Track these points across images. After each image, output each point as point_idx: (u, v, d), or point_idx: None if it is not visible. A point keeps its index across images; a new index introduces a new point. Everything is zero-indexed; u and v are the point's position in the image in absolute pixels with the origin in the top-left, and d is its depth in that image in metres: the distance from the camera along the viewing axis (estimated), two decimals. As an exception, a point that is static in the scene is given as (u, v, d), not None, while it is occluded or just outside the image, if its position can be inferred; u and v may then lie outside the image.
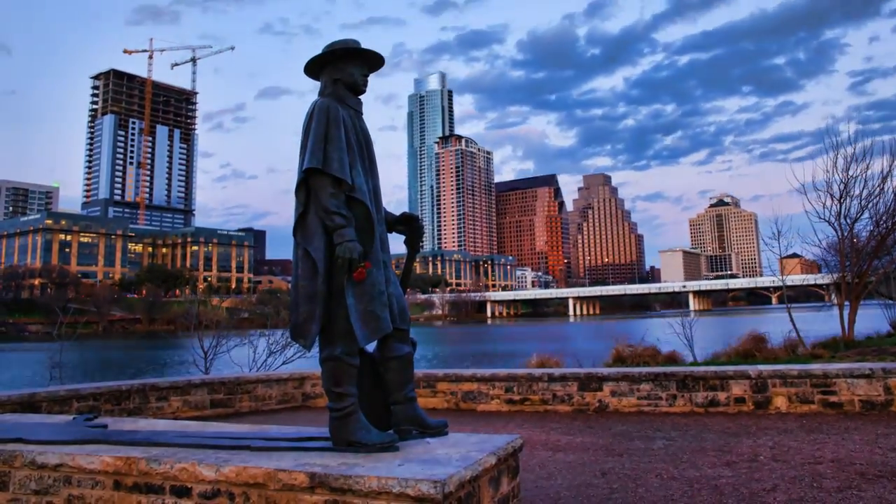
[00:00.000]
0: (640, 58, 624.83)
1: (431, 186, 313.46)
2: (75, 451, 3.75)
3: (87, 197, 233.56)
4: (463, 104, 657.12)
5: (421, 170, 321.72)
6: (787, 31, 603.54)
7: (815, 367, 8.06)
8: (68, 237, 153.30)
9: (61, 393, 8.10)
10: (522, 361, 16.04)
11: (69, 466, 3.65)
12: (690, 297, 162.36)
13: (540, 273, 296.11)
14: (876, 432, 6.35)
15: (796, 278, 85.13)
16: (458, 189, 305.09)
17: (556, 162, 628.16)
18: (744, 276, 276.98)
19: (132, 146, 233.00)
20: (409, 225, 4.31)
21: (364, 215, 3.73)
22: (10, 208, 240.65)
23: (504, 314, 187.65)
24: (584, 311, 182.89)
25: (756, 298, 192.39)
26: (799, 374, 7.86)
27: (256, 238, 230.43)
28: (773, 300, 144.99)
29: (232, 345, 16.12)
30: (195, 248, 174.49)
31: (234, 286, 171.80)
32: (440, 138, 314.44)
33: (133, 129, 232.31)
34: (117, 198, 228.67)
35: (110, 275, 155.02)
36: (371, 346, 3.88)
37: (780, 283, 22.47)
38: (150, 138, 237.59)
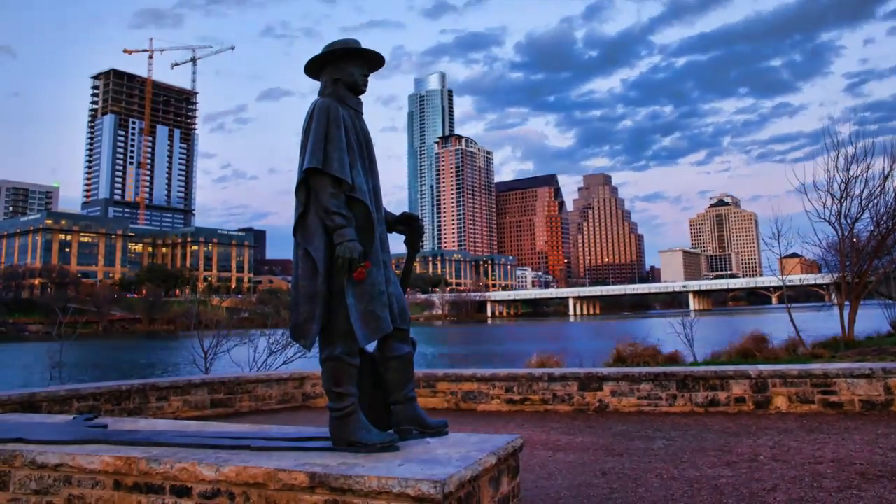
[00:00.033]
0: (638, 60, 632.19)
1: (431, 186, 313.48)
2: (75, 450, 3.75)
3: (87, 197, 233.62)
4: (462, 105, 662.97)
5: (421, 170, 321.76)
6: (783, 34, 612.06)
7: (816, 367, 8.06)
8: (68, 237, 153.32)
9: (61, 393, 8.10)
10: (523, 361, 16.04)
11: (69, 466, 3.65)
12: (690, 296, 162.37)
13: (540, 273, 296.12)
14: (876, 432, 6.35)
15: (796, 278, 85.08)
16: (458, 189, 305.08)
17: (556, 162, 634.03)
18: (744, 276, 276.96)
19: (132, 146, 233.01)
20: (409, 225, 4.31)
21: (364, 215, 3.73)
22: (10, 208, 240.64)
23: (504, 314, 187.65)
24: (585, 311, 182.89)
25: (756, 298, 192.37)
26: (799, 373, 7.85)
27: (256, 238, 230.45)
28: (774, 300, 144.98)
29: (232, 344, 16.13)
30: (195, 247, 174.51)
31: (234, 286, 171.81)
32: (440, 138, 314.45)
33: (133, 128, 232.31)
34: (117, 198, 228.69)
35: (110, 275, 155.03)
36: (371, 346, 3.88)
37: (781, 283, 22.47)
38: (151, 138, 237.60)
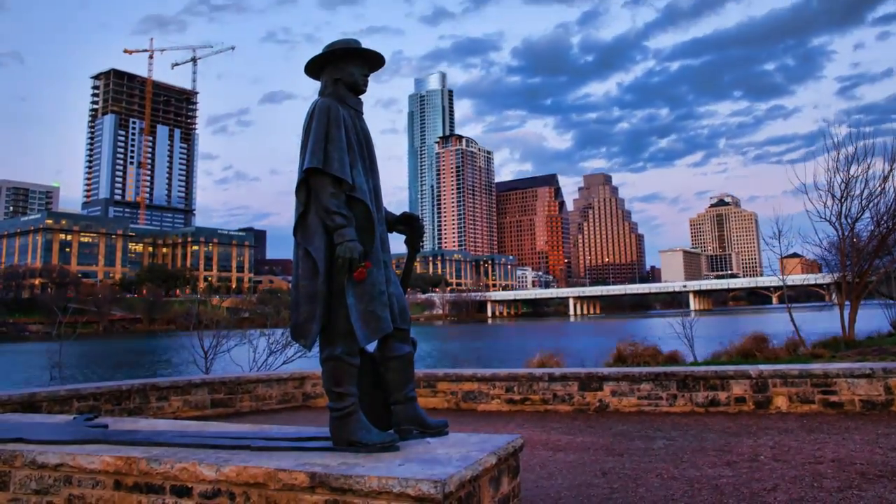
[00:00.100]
0: (633, 64, 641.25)
1: (432, 186, 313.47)
2: (76, 450, 3.75)
3: (87, 197, 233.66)
4: (461, 108, 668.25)
5: (421, 170, 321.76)
6: (775, 39, 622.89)
7: (816, 367, 8.06)
8: (69, 237, 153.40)
9: (62, 393, 8.10)
10: (523, 361, 16.03)
11: (70, 466, 3.65)
12: (691, 296, 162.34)
13: (540, 273, 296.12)
14: (876, 432, 6.35)
15: (797, 278, 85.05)
16: (458, 189, 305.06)
17: (554, 164, 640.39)
18: (744, 276, 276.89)
19: (132, 146, 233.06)
20: (409, 225, 4.30)
21: (364, 215, 3.73)
22: (11, 208, 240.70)
23: (504, 314, 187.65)
24: (585, 311, 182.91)
25: (756, 298, 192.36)
26: (799, 373, 7.85)
27: (257, 238, 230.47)
28: (774, 300, 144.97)
29: (232, 344, 16.13)
30: (195, 247, 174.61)
31: (234, 286, 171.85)
32: (441, 138, 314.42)
33: (133, 128, 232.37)
34: (118, 197, 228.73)
35: (111, 274, 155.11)
36: (372, 346, 3.88)
37: (781, 283, 22.44)
38: (151, 138, 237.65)
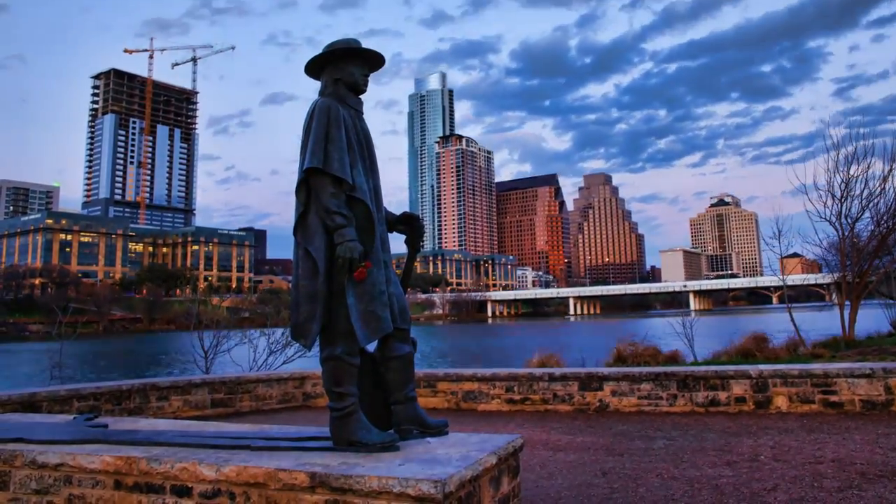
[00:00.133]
0: (631, 67, 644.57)
1: (432, 186, 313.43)
2: (76, 450, 3.75)
3: (87, 196, 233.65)
4: (461, 110, 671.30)
5: (421, 169, 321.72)
6: (771, 41, 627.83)
7: (816, 367, 8.06)
8: (69, 237, 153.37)
9: (62, 393, 8.10)
10: (523, 361, 16.03)
11: (70, 466, 3.65)
12: (691, 296, 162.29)
13: (540, 273, 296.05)
14: (877, 432, 6.35)
15: (797, 278, 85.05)
16: (458, 188, 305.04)
17: (553, 164, 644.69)
18: (744, 276, 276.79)
19: (133, 146, 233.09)
20: (409, 224, 4.30)
21: (365, 215, 3.73)
22: (11, 208, 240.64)
23: (504, 314, 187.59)
24: (585, 311, 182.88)
25: (757, 298, 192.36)
26: (799, 373, 7.85)
27: (257, 237, 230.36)
28: (774, 300, 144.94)
29: (232, 344, 16.12)
30: (195, 247, 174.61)
31: (234, 286, 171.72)
32: (441, 138, 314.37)
33: (133, 128, 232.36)
34: (118, 197, 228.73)
35: (111, 274, 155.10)
36: (372, 346, 3.88)
37: (781, 283, 22.44)
38: (151, 138, 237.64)
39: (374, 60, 4.08)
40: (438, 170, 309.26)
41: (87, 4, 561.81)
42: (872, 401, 7.47)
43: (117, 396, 8.66)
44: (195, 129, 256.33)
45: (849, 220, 19.12)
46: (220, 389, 9.75)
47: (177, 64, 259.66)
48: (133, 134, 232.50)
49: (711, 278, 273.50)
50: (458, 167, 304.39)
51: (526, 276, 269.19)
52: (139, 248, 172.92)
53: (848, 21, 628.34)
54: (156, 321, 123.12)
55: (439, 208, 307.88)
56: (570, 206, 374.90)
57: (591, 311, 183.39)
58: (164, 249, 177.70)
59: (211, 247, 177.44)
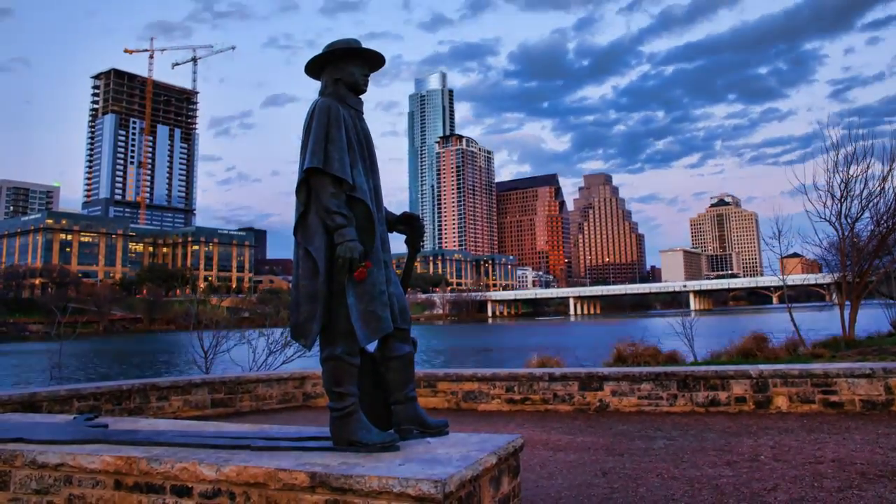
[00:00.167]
0: (628, 69, 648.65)
1: (432, 186, 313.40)
2: (76, 450, 3.75)
3: (87, 196, 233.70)
4: (460, 111, 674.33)
5: (422, 169, 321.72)
6: (767, 44, 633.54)
7: (816, 367, 8.06)
8: (69, 237, 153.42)
9: (62, 393, 8.11)
10: (523, 361, 16.03)
11: (70, 466, 3.65)
12: (691, 296, 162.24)
13: (541, 272, 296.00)
14: (877, 432, 6.35)
15: (797, 278, 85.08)
16: (458, 188, 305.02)
17: (552, 165, 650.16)
18: (744, 276, 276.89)
19: (133, 146, 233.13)
20: (409, 224, 4.30)
21: (365, 215, 3.72)
22: (11, 208, 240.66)
23: (504, 314, 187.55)
24: (585, 311, 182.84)
25: (757, 298, 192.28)
26: (800, 373, 7.85)
27: (257, 237, 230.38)
28: (774, 300, 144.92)
29: (232, 344, 16.12)
30: (196, 247, 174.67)
31: (234, 286, 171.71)
32: (441, 138, 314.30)
33: (134, 128, 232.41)
34: (118, 197, 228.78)
35: (111, 274, 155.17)
36: (372, 346, 3.88)
37: (781, 283, 22.42)
38: (151, 138, 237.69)
39: (374, 60, 4.08)
40: (438, 170, 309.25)
41: (92, 8, 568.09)
42: (873, 401, 7.47)
43: (117, 396, 8.67)
44: (195, 128, 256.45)
45: (849, 220, 19.11)
46: (220, 389, 9.75)
47: (177, 64, 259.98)
48: (133, 134, 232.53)
49: (711, 278, 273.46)
50: (458, 167, 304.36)
51: (526, 276, 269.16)
52: (139, 248, 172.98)
53: (843, 24, 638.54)
54: (156, 321, 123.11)
55: (439, 208, 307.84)
56: (570, 206, 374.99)
57: (592, 311, 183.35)
58: (164, 249, 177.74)
59: (211, 247, 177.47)
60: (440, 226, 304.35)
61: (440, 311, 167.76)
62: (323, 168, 3.63)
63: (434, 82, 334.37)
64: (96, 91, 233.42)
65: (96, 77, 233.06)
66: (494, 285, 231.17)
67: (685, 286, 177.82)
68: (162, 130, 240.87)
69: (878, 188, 19.06)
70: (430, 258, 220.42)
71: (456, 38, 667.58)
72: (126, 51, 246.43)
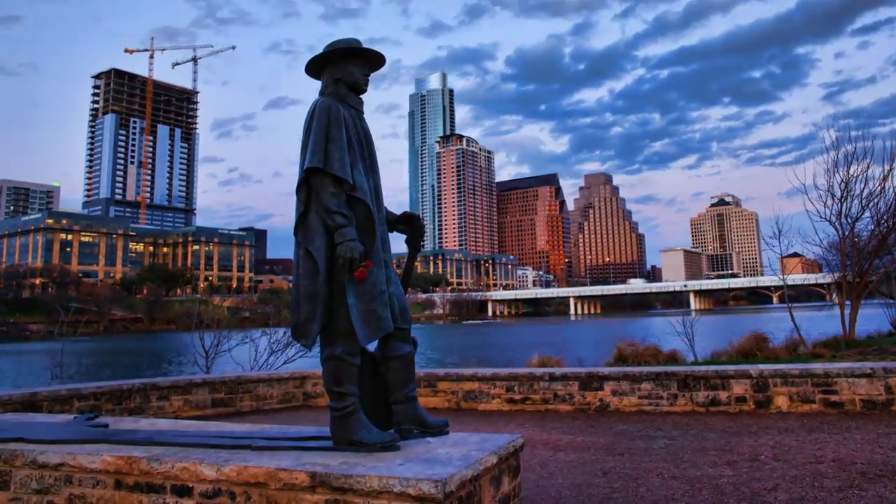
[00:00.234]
0: (624, 73, 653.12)
1: (432, 186, 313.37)
2: (76, 450, 3.75)
3: (88, 196, 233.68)
4: (459, 113, 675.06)
5: (422, 169, 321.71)
6: (760, 48, 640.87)
7: (817, 367, 8.06)
8: (69, 236, 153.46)
9: (62, 392, 8.11)
10: (524, 361, 16.04)
11: (70, 466, 3.65)
12: (691, 296, 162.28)
13: (541, 272, 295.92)
14: (877, 432, 6.35)
15: (797, 278, 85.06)
16: (459, 188, 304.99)
17: (551, 166, 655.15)
18: (745, 276, 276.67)
19: (133, 145, 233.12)
20: (410, 224, 4.30)
21: (365, 214, 3.73)
22: (11, 208, 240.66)
23: (505, 313, 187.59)
24: (586, 311, 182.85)
25: (757, 298, 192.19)
26: (800, 373, 7.85)
27: (257, 237, 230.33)
28: (774, 299, 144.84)
29: (233, 344, 16.14)
30: (196, 247, 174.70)
31: (235, 285, 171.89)
32: (441, 137, 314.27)
33: (134, 128, 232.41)
34: (118, 197, 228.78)
35: (111, 274, 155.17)
36: (372, 346, 3.88)
37: (781, 283, 22.45)
38: (151, 137, 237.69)
39: (374, 60, 4.08)
40: (439, 169, 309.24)
41: (98, 14, 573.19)
42: (873, 400, 7.47)
43: (118, 396, 8.67)
44: (196, 128, 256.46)
45: (849, 220, 19.13)
46: (221, 389, 9.75)
47: (177, 64, 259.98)
48: (133, 134, 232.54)
49: (712, 278, 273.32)
50: (458, 167, 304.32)
51: (526, 276, 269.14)
52: (140, 247, 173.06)
53: (834, 28, 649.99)
54: (156, 321, 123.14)
55: (440, 208, 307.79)
56: (570, 205, 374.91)
57: (592, 311, 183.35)
58: (165, 249, 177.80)
59: (211, 246, 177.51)
60: (440, 225, 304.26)
61: (440, 311, 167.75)
62: (323, 168, 3.63)
63: (434, 82, 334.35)
64: (97, 91, 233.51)
65: (97, 77, 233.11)
66: (495, 285, 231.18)
67: (685, 286, 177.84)
68: (162, 130, 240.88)
69: (879, 188, 19.08)
70: (431, 258, 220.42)
71: (454, 44, 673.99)
72: (126, 50, 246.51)
